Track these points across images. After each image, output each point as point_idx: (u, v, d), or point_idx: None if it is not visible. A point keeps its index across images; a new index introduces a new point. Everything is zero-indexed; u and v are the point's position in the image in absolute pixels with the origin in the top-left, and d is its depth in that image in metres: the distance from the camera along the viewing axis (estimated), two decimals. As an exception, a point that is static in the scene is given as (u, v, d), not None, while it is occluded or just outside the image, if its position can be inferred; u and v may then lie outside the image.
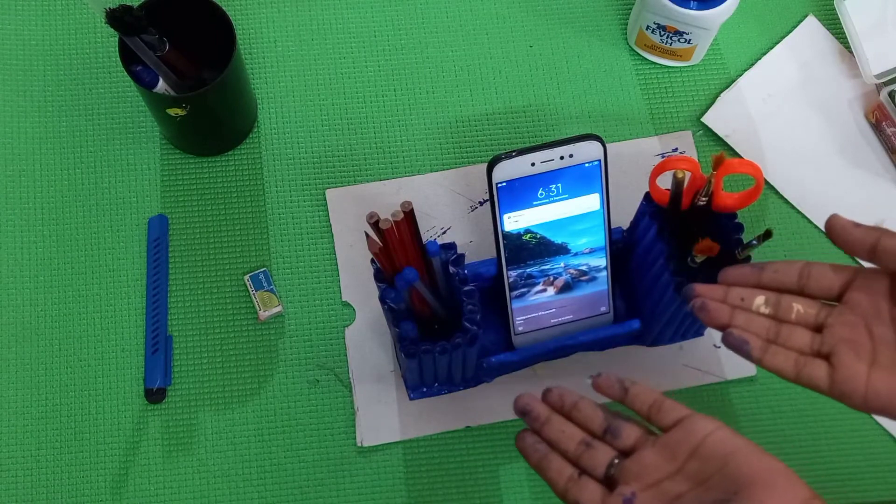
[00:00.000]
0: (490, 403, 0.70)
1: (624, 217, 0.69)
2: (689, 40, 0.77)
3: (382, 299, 0.60)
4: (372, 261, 0.59)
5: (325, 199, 0.76)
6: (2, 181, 0.76)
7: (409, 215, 0.56)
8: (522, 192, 0.63)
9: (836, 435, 0.71)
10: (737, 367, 0.72)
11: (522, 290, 0.67)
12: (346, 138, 0.78)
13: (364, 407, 0.70)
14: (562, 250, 0.66)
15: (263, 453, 0.69)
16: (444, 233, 0.75)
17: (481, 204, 0.76)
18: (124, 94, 0.79)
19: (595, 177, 0.64)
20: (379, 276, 0.60)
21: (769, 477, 0.46)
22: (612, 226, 0.67)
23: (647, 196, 0.64)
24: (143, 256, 0.74)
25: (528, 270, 0.67)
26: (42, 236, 0.75)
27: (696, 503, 0.47)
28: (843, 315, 0.51)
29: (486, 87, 0.80)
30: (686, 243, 0.61)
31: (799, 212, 0.77)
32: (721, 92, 0.80)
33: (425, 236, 0.60)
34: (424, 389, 0.70)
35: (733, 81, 0.81)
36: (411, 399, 0.70)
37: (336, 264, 0.74)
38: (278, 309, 0.72)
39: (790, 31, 0.83)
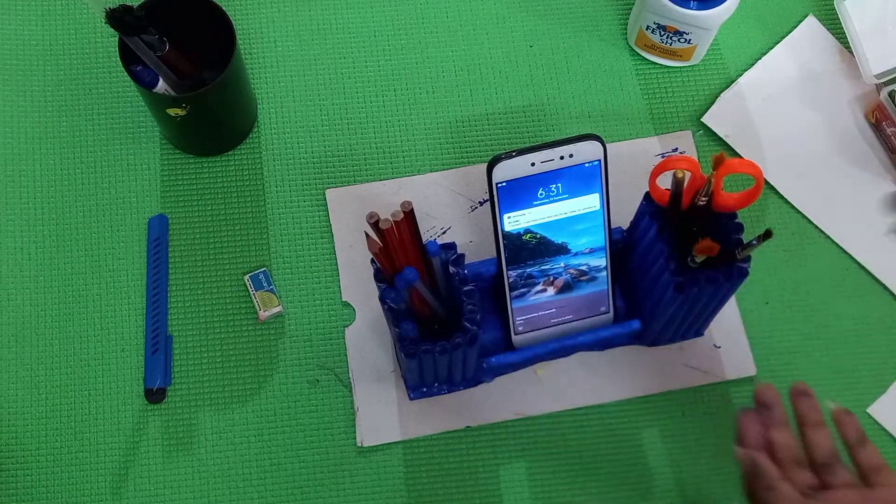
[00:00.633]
0: (490, 403, 0.70)
1: (624, 217, 0.69)
2: (689, 40, 0.77)
3: (382, 299, 0.60)
4: (372, 261, 0.59)
5: (325, 199, 0.76)
6: (2, 181, 0.76)
7: (409, 215, 0.56)
8: (522, 192, 0.63)
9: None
10: (737, 367, 0.72)
11: (522, 290, 0.67)
12: (346, 138, 0.78)
13: (364, 407, 0.70)
14: (562, 250, 0.66)
15: (263, 453, 0.69)
16: (444, 233, 0.75)
17: (481, 204, 0.76)
18: (124, 94, 0.79)
19: (595, 177, 0.64)
20: (379, 276, 0.60)
21: None
22: (612, 226, 0.67)
23: (647, 196, 0.64)
24: (143, 256, 0.74)
25: (528, 270, 0.67)
26: (42, 236, 0.75)
27: None
28: None
29: (486, 87, 0.80)
30: (686, 243, 0.61)
31: (799, 212, 0.77)
32: (721, 92, 0.80)
33: (425, 236, 0.60)
34: (424, 389, 0.70)
35: (733, 81, 0.81)
36: (411, 399, 0.70)
37: (336, 264, 0.74)
38: (278, 309, 0.72)
39: (790, 31, 0.83)
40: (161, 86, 0.71)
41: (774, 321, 0.74)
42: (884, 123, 0.77)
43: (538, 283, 0.67)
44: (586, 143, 0.62)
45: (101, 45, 0.81)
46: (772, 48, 0.82)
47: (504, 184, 0.63)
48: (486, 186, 0.63)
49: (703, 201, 0.61)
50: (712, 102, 0.80)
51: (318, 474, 0.69)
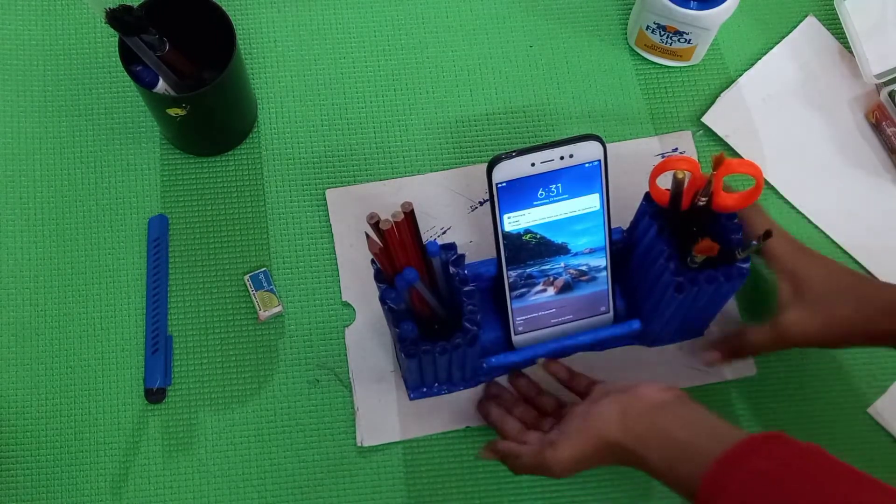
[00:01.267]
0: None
1: (624, 217, 0.69)
2: (689, 40, 0.77)
3: (382, 299, 0.60)
4: (372, 261, 0.59)
5: (325, 199, 0.76)
6: (2, 181, 0.76)
7: (410, 216, 0.56)
8: (522, 192, 0.63)
9: (835, 435, 0.71)
10: (736, 367, 0.72)
11: (522, 290, 0.67)
12: (346, 138, 0.78)
13: (364, 407, 0.70)
14: (562, 250, 0.66)
15: (263, 453, 0.69)
16: (444, 233, 0.75)
17: (481, 204, 0.76)
18: (124, 94, 0.79)
19: (595, 177, 0.64)
20: (379, 277, 0.60)
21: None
22: (612, 226, 0.67)
23: (647, 196, 0.64)
24: (143, 256, 0.74)
25: (528, 270, 0.67)
26: (42, 236, 0.75)
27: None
28: None
29: (486, 87, 0.80)
30: (686, 243, 0.61)
31: (799, 212, 0.77)
32: (721, 92, 0.80)
33: (425, 236, 0.60)
34: (424, 389, 0.70)
35: (733, 81, 0.81)
36: (411, 399, 0.70)
37: (336, 264, 0.74)
38: (278, 309, 0.72)
39: (790, 31, 0.83)
40: (161, 86, 0.71)
41: (774, 321, 0.74)
42: (884, 123, 0.77)
43: (538, 284, 0.67)
44: (586, 143, 0.62)
45: (101, 45, 0.81)
46: (772, 48, 0.82)
47: (504, 184, 0.63)
48: (486, 186, 0.63)
49: (703, 201, 0.61)
50: (712, 102, 0.80)
51: (318, 474, 0.69)
